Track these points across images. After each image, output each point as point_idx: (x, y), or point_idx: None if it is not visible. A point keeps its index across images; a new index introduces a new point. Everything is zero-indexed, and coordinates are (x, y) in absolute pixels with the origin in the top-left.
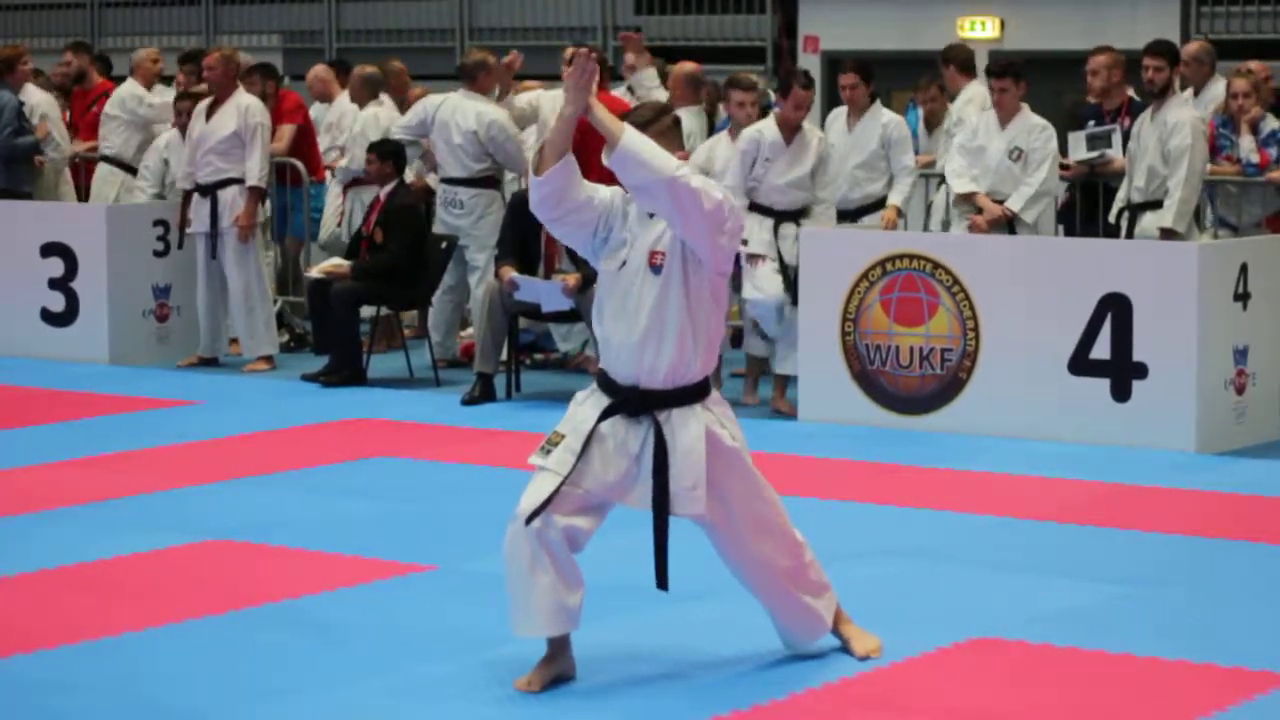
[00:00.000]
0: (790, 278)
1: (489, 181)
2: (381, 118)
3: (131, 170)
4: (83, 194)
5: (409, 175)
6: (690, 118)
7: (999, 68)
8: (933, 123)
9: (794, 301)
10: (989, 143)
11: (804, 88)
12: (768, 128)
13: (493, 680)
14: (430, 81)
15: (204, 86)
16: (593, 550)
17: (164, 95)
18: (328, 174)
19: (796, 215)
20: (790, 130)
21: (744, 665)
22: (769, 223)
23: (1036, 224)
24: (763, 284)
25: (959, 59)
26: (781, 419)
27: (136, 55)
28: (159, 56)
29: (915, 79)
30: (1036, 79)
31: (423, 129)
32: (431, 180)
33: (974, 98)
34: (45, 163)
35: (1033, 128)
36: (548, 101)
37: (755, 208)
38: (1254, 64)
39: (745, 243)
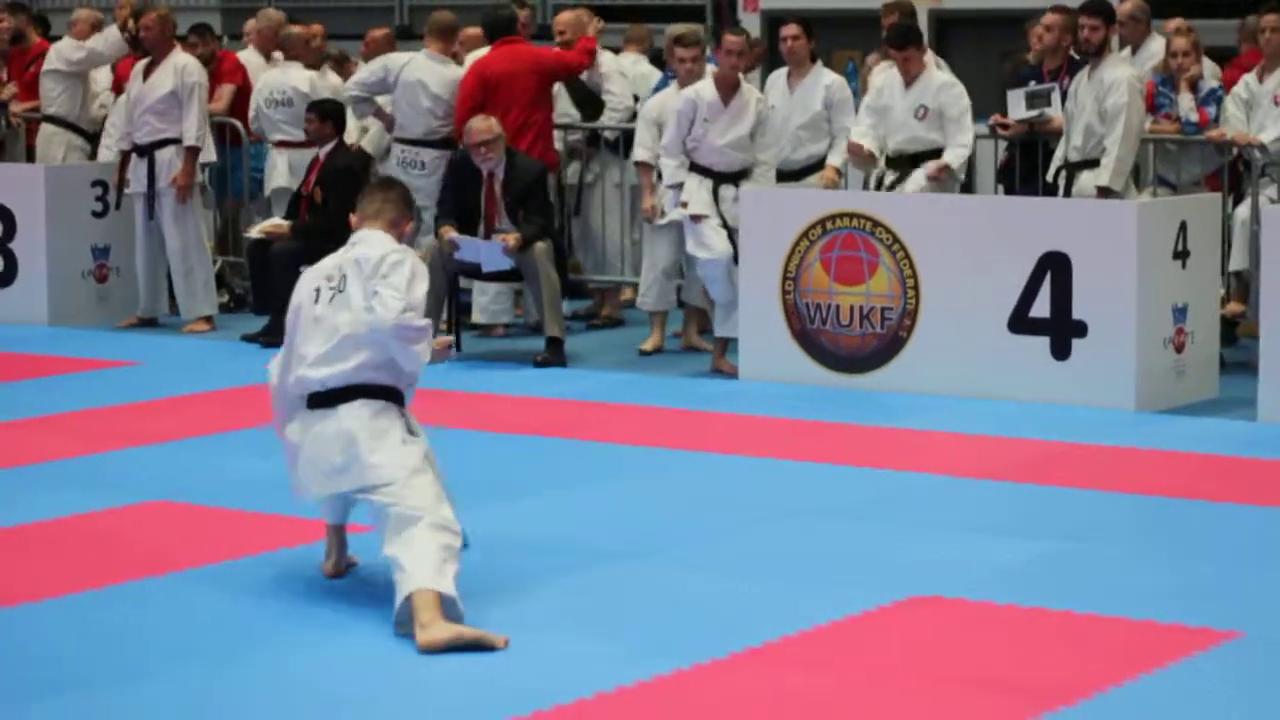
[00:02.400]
0: (732, 239)
1: (447, 142)
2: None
3: (76, 129)
4: (29, 155)
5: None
6: (632, 64)
7: (899, 40)
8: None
9: (735, 261)
10: (894, 102)
11: (734, 34)
12: (705, 88)
13: None
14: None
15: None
16: (527, 508)
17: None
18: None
19: (736, 177)
20: (728, 90)
21: (684, 624)
22: (709, 183)
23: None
24: (709, 240)
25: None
26: (722, 378)
27: (78, 14)
28: (100, 21)
29: (856, 38)
30: (977, 37)
31: (382, 87)
32: (368, 141)
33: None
34: (18, 122)
35: (941, 86)
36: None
37: (695, 168)
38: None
39: (685, 204)
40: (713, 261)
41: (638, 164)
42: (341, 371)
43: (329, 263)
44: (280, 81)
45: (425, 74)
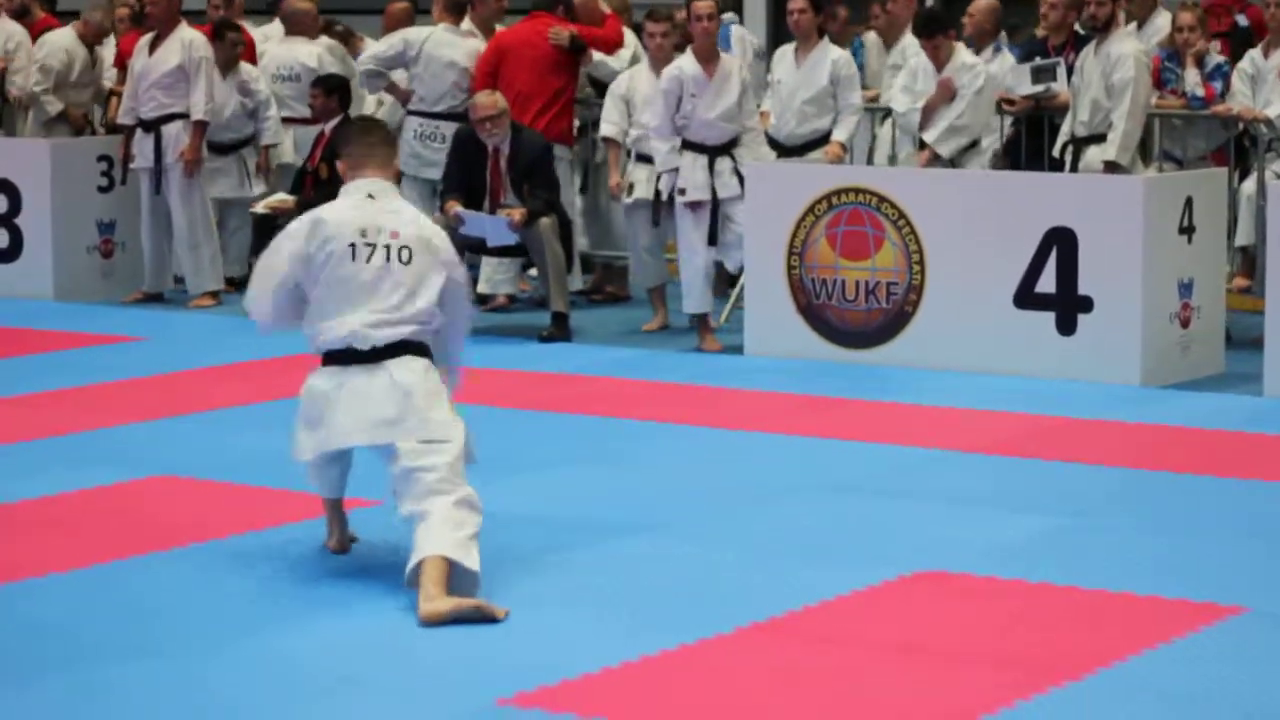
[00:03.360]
0: (719, 220)
1: (465, 115)
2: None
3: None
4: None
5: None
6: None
7: (926, 29)
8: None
9: (712, 242)
10: (929, 87)
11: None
12: (687, 63)
13: None
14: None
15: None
16: (531, 483)
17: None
18: None
19: (728, 148)
20: (708, 61)
21: (689, 599)
22: (703, 160)
23: (952, 159)
24: (692, 243)
25: None
26: (728, 354)
27: (89, 15)
28: (107, 32)
29: (861, 14)
30: None
31: (399, 61)
32: (382, 115)
33: None
34: (19, 96)
35: (963, 68)
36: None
37: (688, 146)
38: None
39: (683, 192)
40: (691, 268)
41: (605, 139)
42: (395, 332)
43: (355, 217)
44: (287, 57)
45: (449, 48)
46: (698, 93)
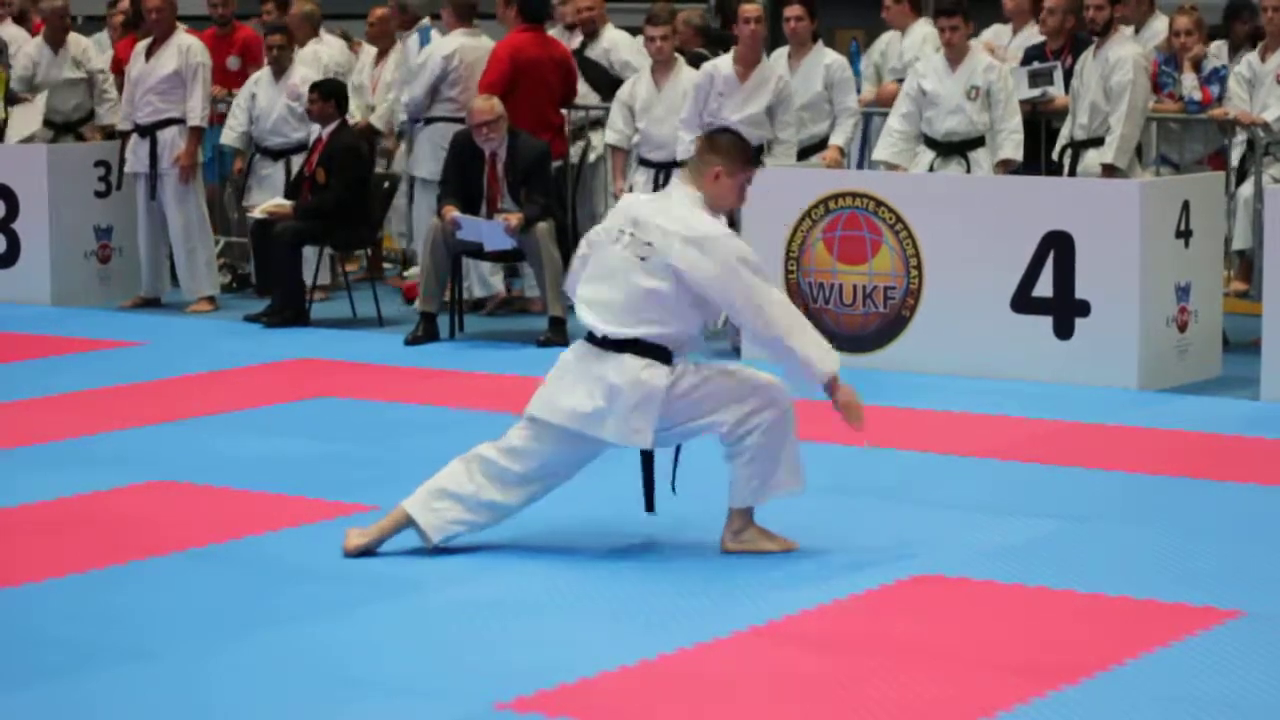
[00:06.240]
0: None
1: None
2: (322, 55)
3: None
4: None
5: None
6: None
7: (949, 5)
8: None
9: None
10: (941, 86)
11: (750, 2)
12: (724, 63)
13: (441, 619)
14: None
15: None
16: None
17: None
18: None
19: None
20: (747, 67)
21: (687, 602)
22: None
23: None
24: None
25: None
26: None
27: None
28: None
29: (857, 17)
30: (984, 17)
31: (442, 80)
32: (378, 117)
33: (928, 37)
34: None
35: (988, 67)
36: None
37: None
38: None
39: None
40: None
41: (609, 146)
42: (622, 331)
43: (641, 209)
44: (322, 57)
45: (481, 55)
46: (726, 92)
